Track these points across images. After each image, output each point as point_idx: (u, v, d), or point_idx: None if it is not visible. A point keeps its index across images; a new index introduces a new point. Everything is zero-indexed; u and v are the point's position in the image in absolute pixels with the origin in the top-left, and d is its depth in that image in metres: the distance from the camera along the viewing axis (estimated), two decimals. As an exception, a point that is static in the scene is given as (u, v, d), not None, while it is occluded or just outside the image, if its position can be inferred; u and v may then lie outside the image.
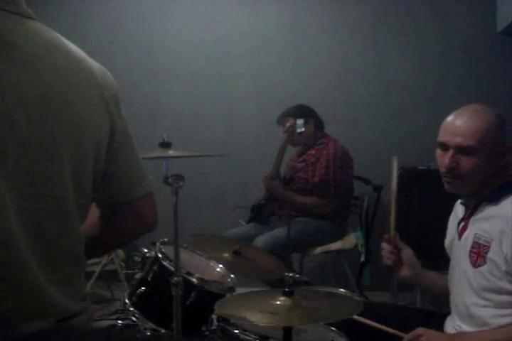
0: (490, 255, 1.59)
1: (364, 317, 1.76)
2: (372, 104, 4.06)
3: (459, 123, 1.65)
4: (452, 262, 1.83)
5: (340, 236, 3.39)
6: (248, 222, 3.51)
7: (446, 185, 1.70)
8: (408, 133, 3.97)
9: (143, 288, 1.85)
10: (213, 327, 1.83)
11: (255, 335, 1.66)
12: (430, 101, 3.98)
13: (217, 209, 4.10)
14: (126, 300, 1.87)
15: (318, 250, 3.33)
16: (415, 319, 1.85)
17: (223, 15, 4.16)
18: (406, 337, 1.69)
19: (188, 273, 1.81)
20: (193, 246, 2.13)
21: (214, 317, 1.84)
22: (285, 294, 1.46)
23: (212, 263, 2.07)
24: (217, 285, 1.88)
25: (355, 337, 1.72)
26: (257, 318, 1.40)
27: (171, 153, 2.55)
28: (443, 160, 1.67)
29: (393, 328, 1.74)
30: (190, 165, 3.53)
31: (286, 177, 3.37)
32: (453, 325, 1.75)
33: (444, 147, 1.67)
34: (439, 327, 1.79)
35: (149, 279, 1.86)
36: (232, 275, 1.99)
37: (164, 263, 1.83)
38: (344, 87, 4.09)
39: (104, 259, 3.55)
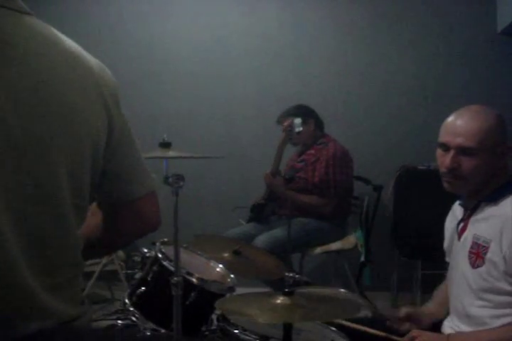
0: (489, 255, 1.59)
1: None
2: (372, 104, 4.06)
3: (459, 124, 1.66)
4: (451, 263, 1.83)
5: (340, 236, 3.38)
6: (248, 221, 3.51)
7: (445, 185, 1.71)
8: (408, 133, 3.97)
9: (143, 288, 1.85)
10: (213, 327, 1.82)
11: (255, 335, 1.65)
12: (430, 101, 3.98)
13: (217, 209, 4.09)
14: (126, 300, 1.86)
15: (318, 250, 3.33)
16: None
17: (223, 15, 4.16)
18: (403, 340, 1.69)
19: (188, 273, 1.80)
20: (193, 246, 2.13)
21: (214, 317, 1.84)
22: (285, 294, 1.46)
23: (212, 263, 2.07)
24: (217, 285, 1.88)
25: (356, 337, 1.72)
26: (256, 315, 1.40)
27: (170, 153, 2.55)
28: (444, 160, 1.67)
29: (383, 331, 1.74)
30: (190, 165, 3.54)
31: (286, 177, 3.37)
32: (451, 325, 1.75)
33: (445, 147, 1.68)
34: (437, 328, 1.79)
35: (149, 279, 1.85)
36: (232, 275, 1.99)
37: (164, 263, 1.83)
38: (344, 87, 4.08)
39: (104, 259, 3.54)
